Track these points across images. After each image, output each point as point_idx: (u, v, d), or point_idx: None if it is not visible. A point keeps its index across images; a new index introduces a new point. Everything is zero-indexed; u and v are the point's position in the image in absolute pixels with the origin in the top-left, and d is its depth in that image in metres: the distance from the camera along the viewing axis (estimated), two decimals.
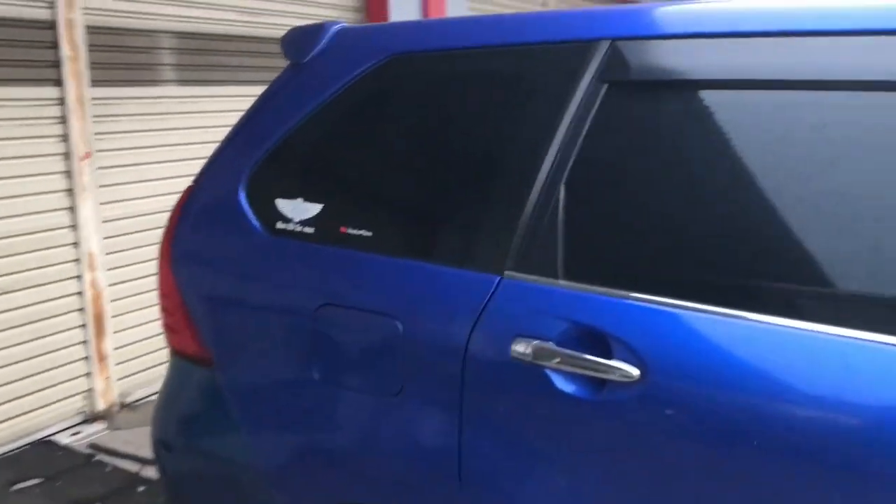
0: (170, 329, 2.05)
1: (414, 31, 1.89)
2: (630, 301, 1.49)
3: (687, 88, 1.55)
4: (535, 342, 1.53)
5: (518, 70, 1.70)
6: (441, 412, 1.65)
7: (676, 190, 1.53)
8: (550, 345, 1.52)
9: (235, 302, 1.95)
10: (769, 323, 1.37)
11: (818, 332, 1.34)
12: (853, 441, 1.29)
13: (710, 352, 1.41)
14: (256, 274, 1.91)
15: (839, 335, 1.32)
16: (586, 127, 1.58)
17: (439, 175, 1.76)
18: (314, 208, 1.86)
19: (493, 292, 1.60)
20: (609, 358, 1.47)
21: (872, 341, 1.30)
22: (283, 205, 1.91)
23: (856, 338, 1.32)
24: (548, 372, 1.52)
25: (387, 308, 1.71)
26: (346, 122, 1.89)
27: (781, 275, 1.43)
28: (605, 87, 1.59)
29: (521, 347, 1.54)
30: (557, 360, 1.51)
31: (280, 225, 1.90)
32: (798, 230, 1.42)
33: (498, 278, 1.60)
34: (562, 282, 1.56)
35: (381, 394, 1.71)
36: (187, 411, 2.06)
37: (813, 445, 1.32)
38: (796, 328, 1.36)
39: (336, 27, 1.99)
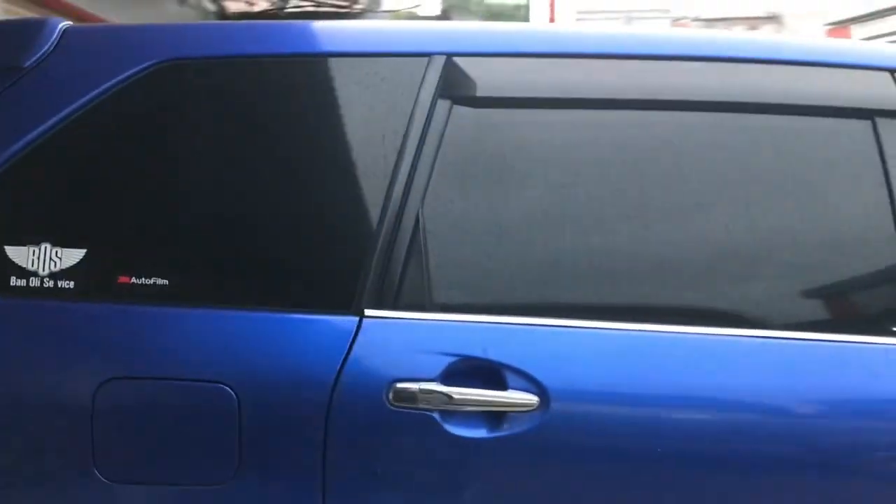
0: None
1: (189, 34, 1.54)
2: (517, 326, 1.39)
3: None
4: (419, 384, 1.35)
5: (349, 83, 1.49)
6: (295, 490, 1.36)
7: (529, 205, 1.48)
8: (436, 385, 1.35)
9: None
10: (656, 330, 1.41)
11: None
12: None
13: (608, 366, 1.39)
14: None
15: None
16: (434, 143, 1.45)
17: (250, 202, 1.46)
18: (73, 255, 1.41)
19: (354, 336, 1.37)
20: (504, 389, 1.36)
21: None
22: (18, 254, 1.41)
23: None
24: (436, 416, 1.35)
25: (208, 373, 1.36)
26: (109, 141, 1.46)
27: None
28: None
29: (401, 394, 1.34)
30: (447, 400, 1.35)
31: (16, 281, 1.40)
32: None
33: (357, 319, 1.38)
34: (435, 315, 1.40)
35: (207, 482, 1.36)
36: None
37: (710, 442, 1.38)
38: (673, 332, 1.41)
39: (62, 25, 1.53)
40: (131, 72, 1.47)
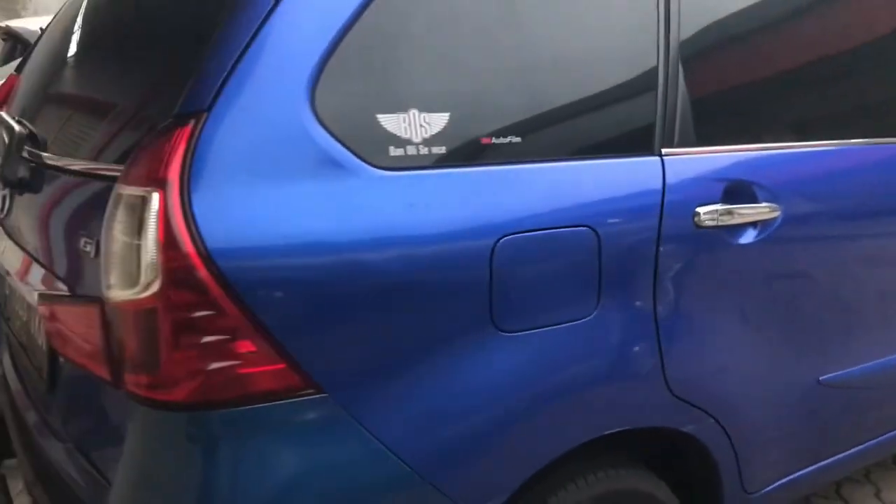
0: (232, 368, 1.21)
1: None
2: (761, 152, 1.73)
3: None
4: (711, 206, 1.63)
5: None
6: (636, 314, 1.58)
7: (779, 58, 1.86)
8: (720, 206, 1.64)
9: (351, 282, 1.28)
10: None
11: None
12: None
13: (823, 179, 1.82)
14: (381, 229, 1.30)
15: None
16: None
17: (576, 67, 1.53)
18: (439, 119, 1.37)
19: (663, 172, 1.59)
20: (757, 203, 1.70)
21: None
22: (390, 121, 1.32)
23: None
24: (721, 230, 1.65)
25: (580, 219, 1.47)
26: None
27: None
28: None
29: (703, 216, 1.61)
30: (731, 216, 1.65)
31: (394, 151, 1.32)
32: None
33: (660, 159, 1.59)
34: (704, 149, 1.66)
35: (579, 316, 1.50)
36: (296, 468, 1.27)
37: None
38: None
39: None
40: None
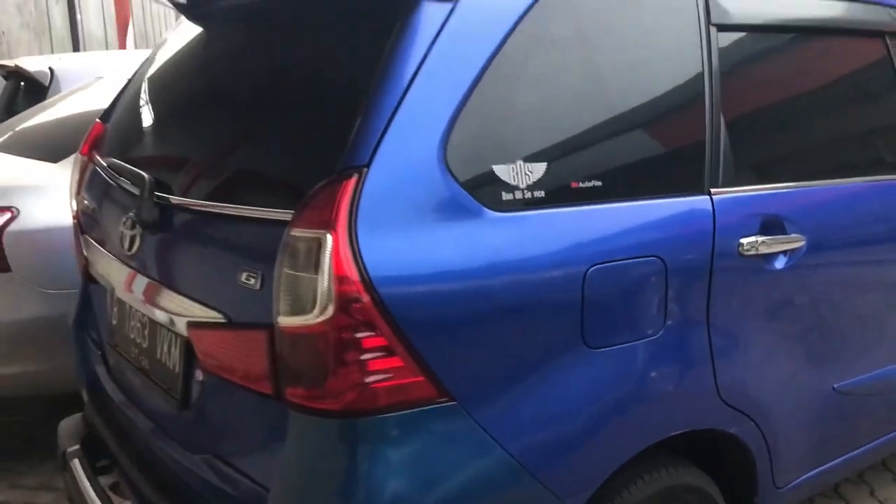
0: (383, 382, 1.44)
1: None
2: (788, 189, 2.02)
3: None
4: (752, 238, 1.91)
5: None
6: (694, 331, 1.85)
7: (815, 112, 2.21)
8: (759, 237, 1.92)
9: (475, 306, 1.52)
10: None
11: None
12: None
13: (840, 212, 2.11)
14: (497, 262, 1.55)
15: None
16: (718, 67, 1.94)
17: (643, 124, 1.81)
18: (538, 168, 1.62)
19: (713, 209, 1.86)
20: (786, 233, 1.98)
21: None
22: (502, 171, 1.58)
23: None
24: (759, 258, 1.93)
25: (651, 249, 1.74)
26: (528, 67, 1.65)
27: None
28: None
29: (745, 246, 1.89)
30: (767, 246, 1.93)
31: (505, 196, 1.57)
32: None
33: (709, 198, 1.86)
34: (743, 188, 1.94)
35: (650, 334, 1.76)
36: (434, 473, 1.51)
37: None
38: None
39: None
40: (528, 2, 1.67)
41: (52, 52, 11.76)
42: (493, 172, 1.58)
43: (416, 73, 1.52)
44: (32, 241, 2.97)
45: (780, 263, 1.98)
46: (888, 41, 2.37)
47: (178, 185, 1.86)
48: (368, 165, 1.45)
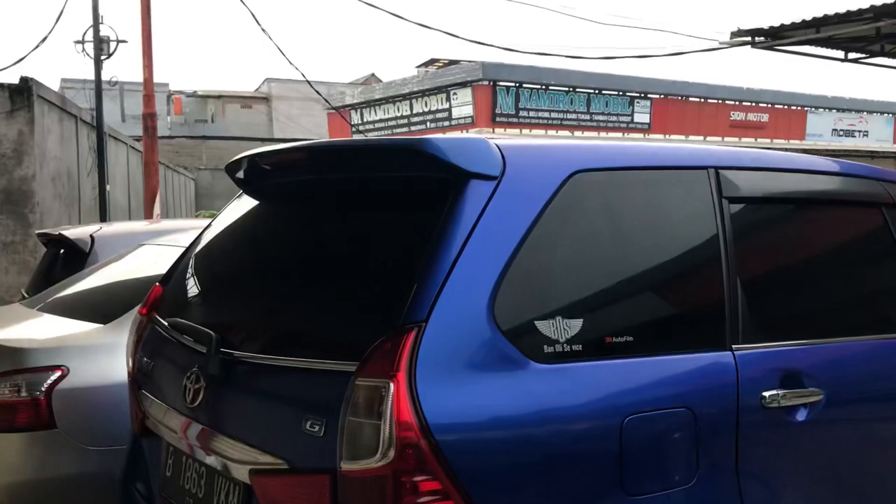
0: None
1: (587, 151, 1.99)
2: (805, 347, 2.17)
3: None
4: (773, 391, 2.04)
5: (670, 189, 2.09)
6: (725, 479, 1.94)
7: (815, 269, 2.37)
8: (780, 390, 2.05)
9: (520, 451, 1.66)
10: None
11: None
12: None
13: (854, 367, 2.24)
14: (541, 410, 1.69)
15: None
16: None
17: (669, 288, 2.00)
18: (575, 324, 1.78)
19: (735, 364, 2.00)
20: (804, 387, 2.11)
21: None
22: (544, 326, 1.74)
23: None
24: (781, 410, 2.05)
25: (681, 401, 1.87)
26: (561, 236, 1.85)
27: None
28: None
29: (767, 399, 2.02)
30: (788, 399, 2.06)
31: (548, 349, 1.73)
32: None
33: (731, 353, 2.01)
34: (762, 344, 2.09)
35: (685, 482, 1.86)
36: None
37: None
38: None
39: (493, 142, 1.87)
40: (560, 180, 1.89)
41: (80, 220, 12.31)
42: (535, 327, 1.75)
43: (466, 240, 1.72)
44: (80, 400, 3.09)
45: (801, 416, 2.10)
46: (885, 211, 2.59)
47: (242, 341, 2.02)
48: (426, 320, 1.62)
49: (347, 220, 2.07)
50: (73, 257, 5.46)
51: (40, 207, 10.66)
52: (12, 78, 11.54)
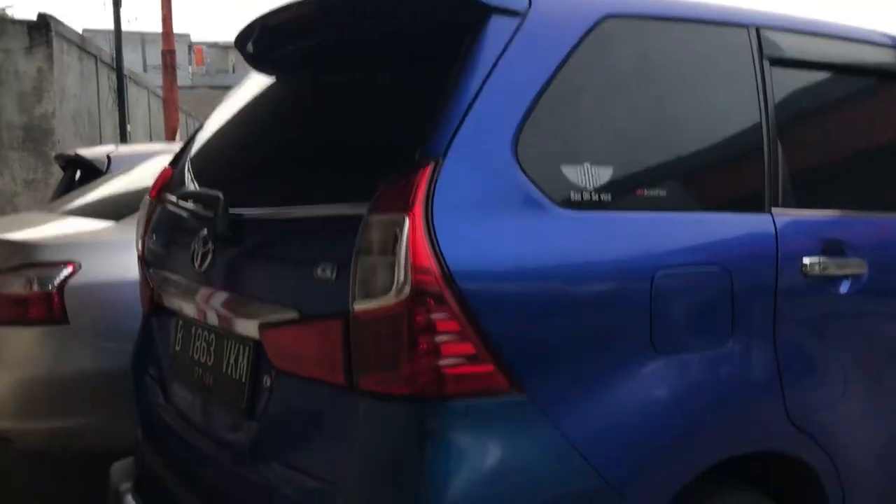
0: (455, 367, 1.46)
1: None
2: (849, 216, 2.04)
3: None
4: (814, 258, 1.91)
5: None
6: (761, 346, 1.83)
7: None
8: (821, 258, 1.93)
9: (541, 298, 1.54)
10: None
11: None
12: None
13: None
14: (564, 258, 1.57)
15: None
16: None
17: (708, 144, 1.87)
18: (604, 173, 1.66)
19: (775, 227, 1.88)
20: (844, 257, 1.99)
21: None
22: (571, 171, 1.62)
23: None
24: (824, 280, 1.93)
25: (719, 261, 1.76)
26: (591, 82, 1.72)
27: None
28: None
29: (808, 266, 1.90)
30: (830, 268, 1.94)
31: (575, 195, 1.61)
32: None
33: (771, 216, 1.89)
34: (803, 211, 1.97)
35: (718, 345, 1.75)
36: (508, 467, 1.49)
37: None
38: None
39: None
40: (590, 23, 1.76)
41: None
42: (562, 172, 1.62)
43: (487, 77, 1.59)
44: (93, 296, 3.04)
45: (844, 287, 1.98)
46: None
47: (251, 198, 1.92)
48: (444, 155, 1.50)
49: (360, 73, 1.95)
50: (91, 178, 5.40)
51: (61, 145, 10.63)
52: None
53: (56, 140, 10.78)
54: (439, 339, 1.46)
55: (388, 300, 1.45)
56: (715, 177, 1.89)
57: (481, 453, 1.50)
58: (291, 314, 1.66)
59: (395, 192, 1.49)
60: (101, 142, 12.40)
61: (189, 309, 2.07)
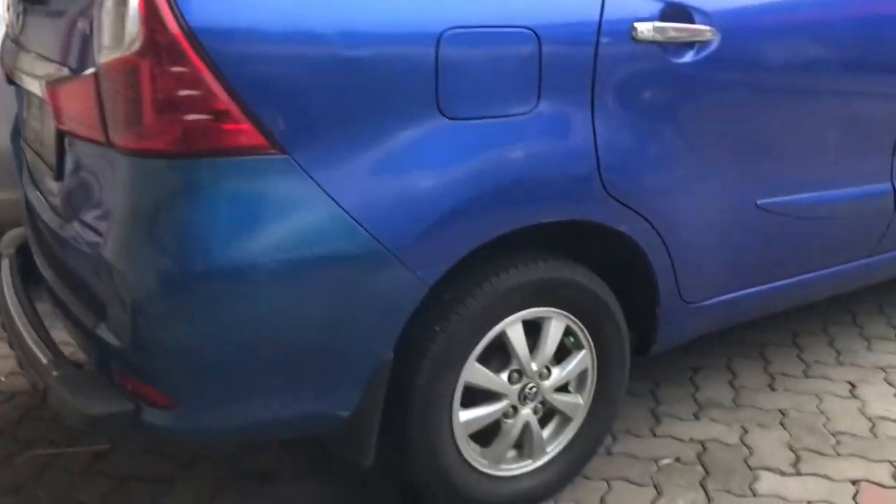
0: (204, 123, 1.43)
1: None
2: None
3: None
4: (651, 24, 1.79)
5: None
6: (574, 113, 1.76)
7: None
8: (656, 23, 1.81)
9: (311, 58, 1.48)
10: None
11: None
12: None
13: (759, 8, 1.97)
14: (335, 11, 1.50)
15: None
16: None
17: None
18: None
19: None
20: (693, 23, 1.86)
21: None
22: None
23: None
24: (658, 45, 1.82)
25: (521, 20, 1.66)
26: None
27: None
28: None
29: (639, 30, 1.78)
30: (666, 32, 1.82)
31: None
32: None
33: None
34: None
35: (518, 112, 1.69)
36: (261, 221, 1.50)
37: None
38: None
39: None
40: None
41: None
42: None
43: None
44: None
45: (686, 57, 1.87)
46: None
47: None
48: None
49: None
50: None
51: None
52: None
53: None
54: (182, 93, 1.42)
55: (124, 51, 1.41)
56: None
57: (235, 210, 1.49)
58: (66, 71, 1.63)
59: None
60: None
61: (18, 75, 2.05)
